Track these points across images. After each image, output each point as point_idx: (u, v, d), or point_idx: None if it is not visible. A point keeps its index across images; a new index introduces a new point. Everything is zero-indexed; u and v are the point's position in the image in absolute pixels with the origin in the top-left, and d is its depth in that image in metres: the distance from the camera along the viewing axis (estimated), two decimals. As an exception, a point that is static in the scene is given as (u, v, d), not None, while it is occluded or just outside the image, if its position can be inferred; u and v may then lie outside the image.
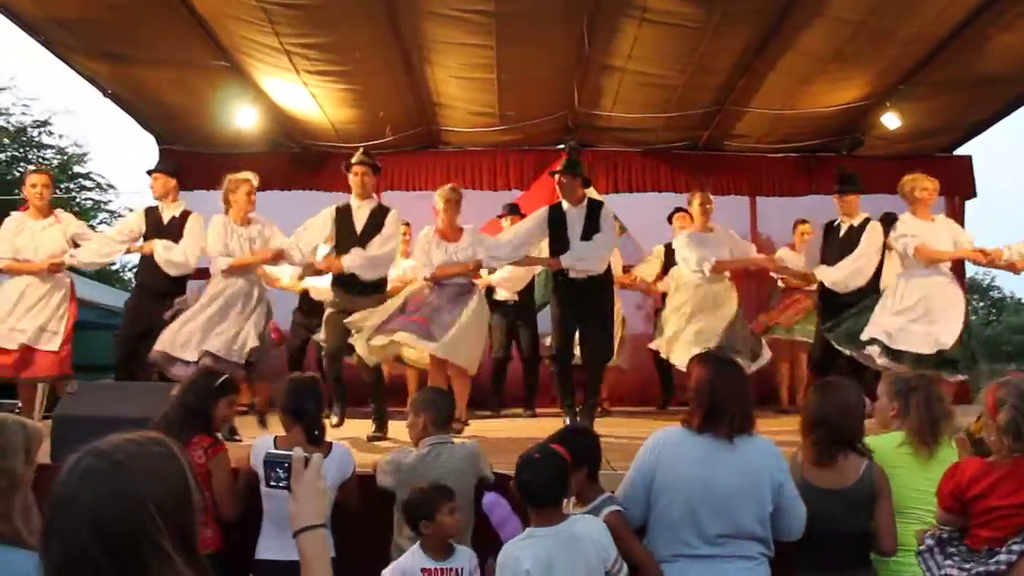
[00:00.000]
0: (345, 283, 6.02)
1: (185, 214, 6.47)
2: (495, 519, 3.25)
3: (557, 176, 6.21)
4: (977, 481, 2.99)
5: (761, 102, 8.07)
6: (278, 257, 6.26)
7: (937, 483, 3.20)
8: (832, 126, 8.75)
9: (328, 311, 6.13)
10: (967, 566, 2.94)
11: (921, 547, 3.12)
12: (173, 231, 6.36)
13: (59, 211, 6.76)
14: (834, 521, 3.23)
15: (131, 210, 6.99)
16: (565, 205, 6.16)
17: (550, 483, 2.99)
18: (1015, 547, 2.86)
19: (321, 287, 6.93)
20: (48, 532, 1.40)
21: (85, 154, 21.69)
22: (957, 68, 7.25)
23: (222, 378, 3.86)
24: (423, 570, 3.28)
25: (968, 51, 6.92)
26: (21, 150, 20.82)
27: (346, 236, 6.05)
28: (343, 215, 6.11)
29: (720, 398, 3.12)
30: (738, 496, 3.02)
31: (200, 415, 3.70)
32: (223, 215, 6.16)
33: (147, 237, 6.40)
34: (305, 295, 7.57)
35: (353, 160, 6.17)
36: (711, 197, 7.18)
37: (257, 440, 3.84)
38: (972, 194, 9.54)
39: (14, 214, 6.56)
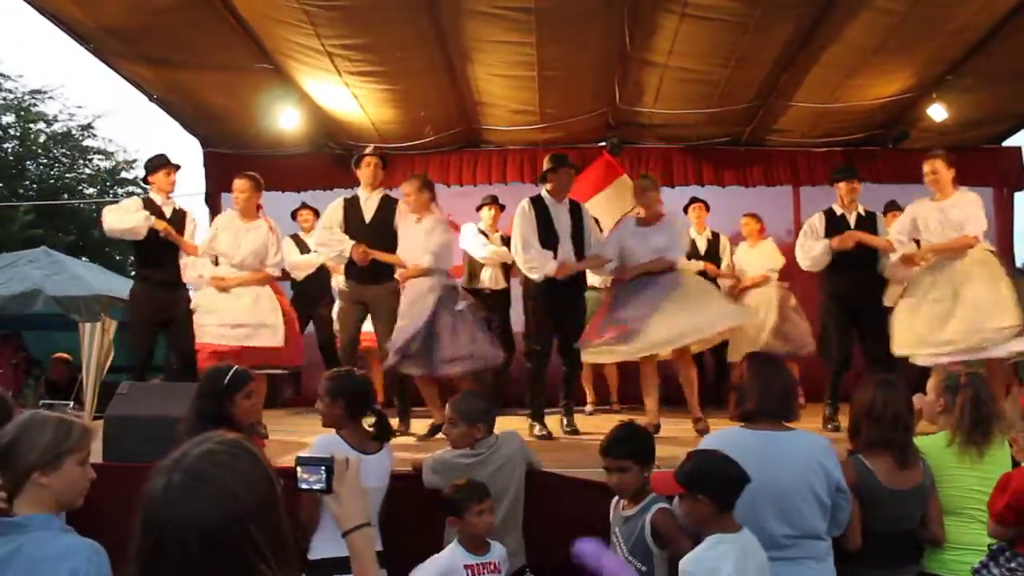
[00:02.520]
0: (358, 274, 6.07)
1: (182, 212, 6.34)
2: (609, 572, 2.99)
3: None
4: None
5: (804, 96, 7.95)
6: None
7: (990, 482, 3.14)
8: (877, 119, 8.62)
9: (340, 304, 6.20)
10: None
11: (976, 565, 3.04)
12: (175, 225, 6.20)
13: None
14: (909, 520, 3.26)
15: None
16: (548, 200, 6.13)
17: (737, 485, 2.84)
18: None
19: (301, 261, 7.06)
20: (149, 549, 1.36)
21: (134, 161, 21.97)
22: (1006, 57, 7.08)
23: (231, 372, 3.67)
24: (466, 566, 3.29)
25: (1017, 39, 6.75)
26: (68, 156, 21.13)
27: (355, 226, 6.13)
28: (351, 205, 6.21)
29: (765, 392, 3.11)
30: (797, 492, 2.96)
31: (218, 415, 3.47)
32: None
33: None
34: (295, 284, 7.63)
35: (364, 152, 6.32)
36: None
37: (317, 440, 3.68)
38: (1021, 186, 9.39)
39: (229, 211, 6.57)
